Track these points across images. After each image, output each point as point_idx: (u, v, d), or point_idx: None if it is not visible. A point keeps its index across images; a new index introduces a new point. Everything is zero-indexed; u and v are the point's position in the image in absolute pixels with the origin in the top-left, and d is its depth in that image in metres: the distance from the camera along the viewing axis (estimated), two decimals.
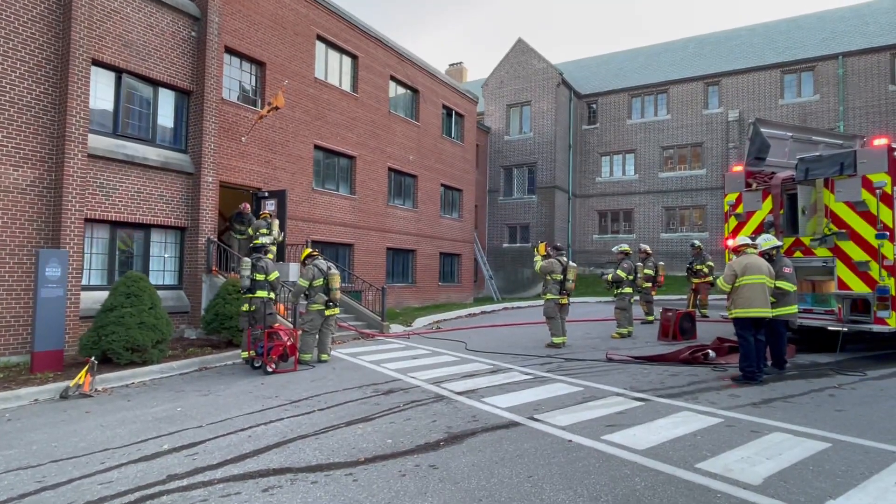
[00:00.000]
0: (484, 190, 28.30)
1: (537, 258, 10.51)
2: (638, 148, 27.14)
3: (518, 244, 27.77)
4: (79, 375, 6.92)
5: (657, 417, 5.55)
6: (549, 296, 10.31)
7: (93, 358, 7.24)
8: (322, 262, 9.16)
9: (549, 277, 10.34)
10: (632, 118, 27.53)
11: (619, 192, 27.50)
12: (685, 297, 15.60)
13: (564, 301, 10.27)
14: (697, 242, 14.30)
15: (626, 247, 12.00)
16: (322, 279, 8.99)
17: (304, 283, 9.05)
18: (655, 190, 26.64)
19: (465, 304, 20.83)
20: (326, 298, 8.96)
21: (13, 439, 5.21)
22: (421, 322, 14.97)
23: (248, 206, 12.34)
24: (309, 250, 9.33)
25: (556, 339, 10.25)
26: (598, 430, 5.16)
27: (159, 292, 10.75)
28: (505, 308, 19.54)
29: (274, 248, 9.86)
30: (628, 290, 11.55)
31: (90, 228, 10.05)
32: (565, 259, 10.49)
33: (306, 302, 9.27)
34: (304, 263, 9.23)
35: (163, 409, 6.18)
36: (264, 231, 11.79)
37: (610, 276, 11.65)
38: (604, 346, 10.14)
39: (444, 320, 15.77)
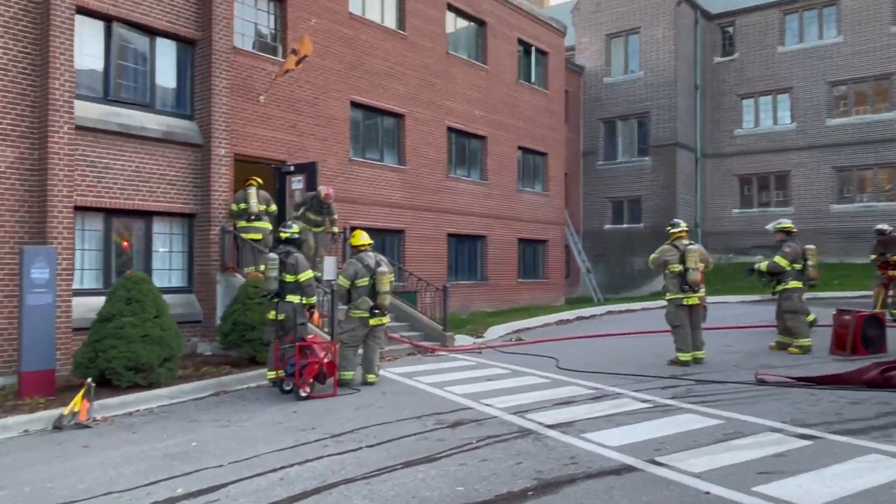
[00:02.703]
0: (577, 152, 28.03)
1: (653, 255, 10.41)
2: (795, 85, 25.91)
3: (625, 225, 27.42)
4: (73, 401, 7.42)
5: (832, 462, 5.29)
6: (669, 295, 10.09)
7: (89, 379, 7.75)
8: (369, 256, 9.33)
9: (667, 270, 10.11)
10: (785, 44, 26.25)
11: (769, 149, 26.45)
12: (870, 293, 14.80)
13: (692, 301, 9.96)
14: (888, 228, 13.61)
15: (787, 223, 11.33)
16: (367, 278, 9.17)
17: (343, 282, 9.27)
18: (822, 143, 25.33)
19: (554, 308, 20.69)
20: (372, 304, 9.13)
21: (4, 478, 5.68)
22: (496, 332, 14.98)
23: (331, 190, 12.74)
24: (361, 238, 9.47)
25: (683, 355, 10.00)
26: (746, 480, 4.97)
27: (165, 296, 11.35)
28: (609, 312, 19.32)
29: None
30: (795, 283, 10.81)
31: (81, 218, 10.70)
32: (685, 241, 10.18)
33: (346, 307, 9.50)
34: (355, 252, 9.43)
35: (174, 443, 6.51)
36: (300, 211, 12.17)
37: (764, 265, 11.06)
38: (751, 364, 9.84)
39: (527, 329, 15.73)
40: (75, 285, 10.35)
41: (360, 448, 6.08)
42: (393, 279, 9.61)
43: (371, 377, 9.26)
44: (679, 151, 26.38)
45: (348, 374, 9.13)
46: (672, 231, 10.47)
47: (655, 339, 13.06)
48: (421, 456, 5.78)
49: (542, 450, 5.88)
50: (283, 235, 9.32)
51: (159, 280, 11.63)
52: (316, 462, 5.72)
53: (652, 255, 10.42)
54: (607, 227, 27.83)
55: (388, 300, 9.24)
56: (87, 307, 9.86)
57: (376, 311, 9.17)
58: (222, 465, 5.74)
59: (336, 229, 13.20)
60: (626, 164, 27.35)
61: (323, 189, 12.67)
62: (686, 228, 10.59)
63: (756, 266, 11.24)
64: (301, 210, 12.76)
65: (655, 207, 26.48)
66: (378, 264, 9.27)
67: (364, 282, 9.18)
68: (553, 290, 23.24)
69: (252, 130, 13.86)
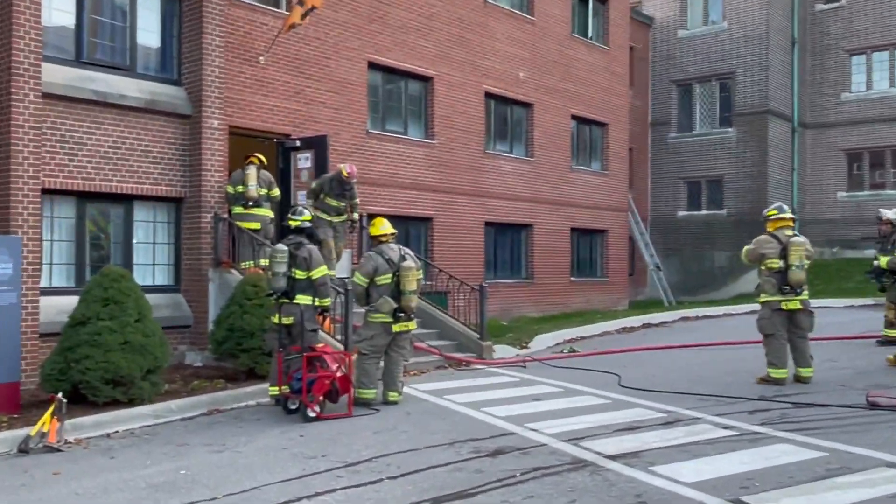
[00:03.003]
0: (644, 122, 27.87)
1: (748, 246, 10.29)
2: None
3: (703, 211, 27.29)
4: (41, 420, 7.52)
5: None
6: (764, 297, 9.95)
7: (59, 394, 7.84)
8: (392, 248, 9.32)
9: (763, 266, 9.97)
10: None
11: (885, 117, 26.02)
12: None
13: (793, 305, 9.82)
14: None
15: None
16: (390, 275, 9.15)
17: (361, 280, 9.27)
18: None
19: (614, 313, 20.57)
20: (395, 306, 9.14)
21: None
22: (543, 341, 14.90)
23: (354, 168, 12.89)
24: (382, 226, 9.49)
25: (776, 372, 9.88)
26: None
27: (148, 296, 11.51)
28: (683, 318, 18.99)
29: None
30: None
31: (49, 204, 10.89)
32: (788, 232, 10.03)
33: (364, 310, 9.54)
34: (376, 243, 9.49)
35: (160, 470, 6.56)
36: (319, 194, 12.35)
37: (884, 261, 11.12)
38: (860, 383, 9.64)
39: (582, 339, 15.63)
40: (43, 283, 10.53)
41: (381, 480, 6.08)
42: (421, 276, 9.59)
43: (393, 395, 9.29)
44: (771, 121, 26.08)
45: (368, 393, 9.14)
46: (773, 218, 10.26)
47: (741, 351, 12.86)
48: (454, 491, 5.76)
49: (602, 485, 5.82)
50: (292, 224, 9.38)
51: (141, 277, 11.78)
52: (328, 496, 5.73)
53: (746, 247, 10.27)
54: (681, 214, 27.70)
55: (414, 301, 9.22)
56: (58, 309, 10.02)
57: (401, 314, 9.15)
58: (216, 497, 5.79)
59: (357, 215, 13.31)
60: (706, 137, 27.18)
61: (345, 167, 12.74)
62: (793, 216, 10.42)
63: (876, 264, 11.08)
64: (320, 196, 12.82)
65: (741, 190, 26.26)
66: (403, 258, 9.25)
67: (386, 279, 9.16)
68: (614, 291, 23.11)
69: (250, 98, 13.97)
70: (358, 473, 6.31)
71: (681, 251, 27.38)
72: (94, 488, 6.10)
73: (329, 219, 12.75)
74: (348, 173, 12.64)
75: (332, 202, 12.83)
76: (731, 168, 26.58)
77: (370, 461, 6.67)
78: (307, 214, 9.50)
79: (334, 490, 5.87)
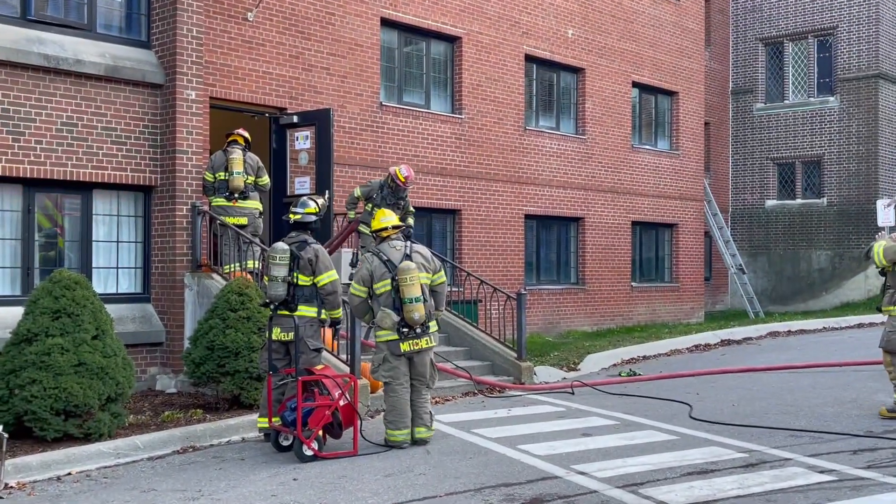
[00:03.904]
0: (723, 91, 27.84)
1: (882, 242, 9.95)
2: None
3: (798, 200, 27.22)
4: None
5: None
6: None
7: (0, 428, 7.89)
8: (394, 246, 9.10)
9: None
10: None
11: None
12: None
13: None
14: None
15: None
16: (389, 280, 8.92)
17: (357, 290, 9.03)
18: None
19: (686, 327, 20.54)
20: (397, 320, 8.86)
21: None
22: (596, 362, 14.87)
23: (410, 170, 12.78)
24: (383, 219, 9.38)
25: None
26: None
27: (112, 307, 11.39)
28: (772, 333, 18.96)
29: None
30: None
31: None
32: None
33: (371, 325, 9.43)
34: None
35: None
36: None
37: None
38: None
39: (645, 359, 15.62)
40: None
41: None
42: (436, 280, 9.28)
43: (420, 431, 8.99)
44: (882, 87, 25.88)
45: (398, 435, 8.83)
46: None
47: (845, 376, 12.78)
48: None
49: None
50: (293, 218, 9.27)
51: (103, 283, 11.80)
52: None
53: (885, 244, 9.95)
54: (770, 203, 27.58)
55: (417, 313, 8.84)
56: (2, 322, 10.07)
57: (405, 329, 8.89)
58: None
59: (412, 221, 13.19)
60: (801, 108, 27.06)
61: (401, 169, 12.58)
62: None
63: None
64: (367, 206, 12.66)
65: (845, 173, 26.11)
66: (407, 257, 9.02)
67: (384, 286, 8.93)
68: (686, 299, 23.05)
69: (237, 63, 13.98)
70: None
71: (770, 250, 27.28)
72: None
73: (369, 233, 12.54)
74: (405, 177, 12.52)
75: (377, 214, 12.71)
76: (833, 146, 26.39)
77: None
78: (312, 206, 9.31)
79: None
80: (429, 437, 9.05)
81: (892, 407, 9.92)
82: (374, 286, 8.98)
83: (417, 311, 8.81)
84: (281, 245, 8.97)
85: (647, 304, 21.83)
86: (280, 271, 8.81)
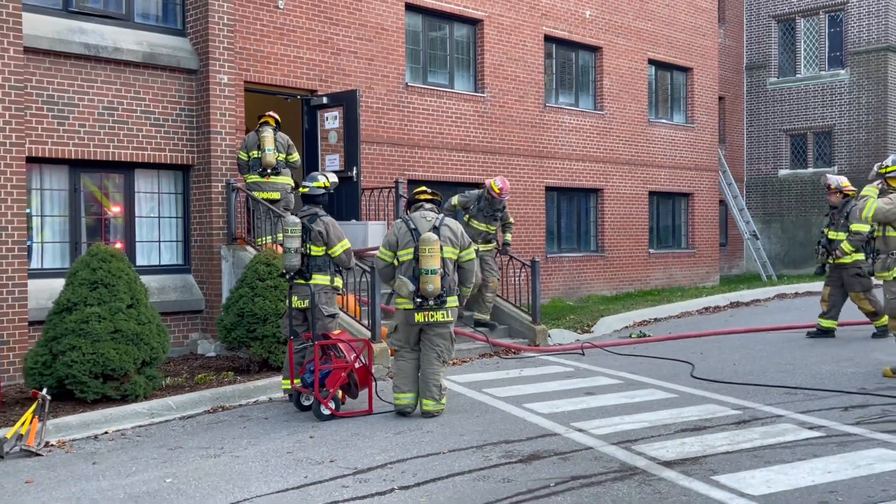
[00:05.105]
0: (737, 66, 27.58)
1: (869, 198, 9.62)
2: None
3: (810, 169, 26.91)
4: (20, 420, 7.63)
5: None
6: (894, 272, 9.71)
7: (44, 391, 7.98)
8: (425, 216, 8.75)
9: (892, 232, 9.71)
10: None
11: None
12: None
13: None
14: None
15: None
16: (411, 249, 8.66)
17: (383, 254, 8.86)
18: None
19: (699, 291, 20.46)
20: (413, 288, 8.47)
21: None
22: (609, 324, 14.95)
23: (506, 182, 12.60)
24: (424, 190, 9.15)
25: None
26: None
27: (154, 277, 11.75)
28: (779, 296, 18.93)
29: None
30: None
31: (36, 174, 11.13)
32: None
33: (391, 291, 9.42)
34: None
35: (144, 479, 6.60)
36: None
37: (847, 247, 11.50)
38: None
39: (656, 321, 15.66)
40: (33, 264, 10.79)
41: (391, 490, 6.06)
42: (463, 256, 8.78)
43: (427, 404, 8.52)
44: (891, 59, 25.46)
45: (402, 398, 8.59)
46: (892, 174, 9.67)
47: (844, 334, 12.76)
48: None
49: (650, 499, 5.71)
50: (302, 191, 9.33)
51: (146, 255, 12.08)
52: None
53: (875, 204, 9.44)
54: (783, 172, 27.33)
55: (432, 285, 8.34)
56: (50, 293, 10.12)
57: (420, 300, 8.47)
58: None
59: (510, 235, 13.19)
60: (812, 81, 26.76)
61: (496, 181, 12.43)
62: None
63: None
64: (466, 217, 12.53)
65: (855, 143, 25.77)
66: (435, 229, 8.59)
67: (407, 254, 8.62)
68: (701, 264, 23.01)
69: (268, 49, 14.05)
70: (366, 483, 6.30)
71: (783, 217, 27.07)
72: (66, 500, 6.18)
73: (482, 248, 12.42)
74: (499, 189, 12.37)
75: (480, 226, 12.66)
76: (844, 117, 26.05)
77: (383, 468, 6.68)
78: (321, 180, 9.28)
79: (335, 503, 5.82)
80: (436, 410, 8.50)
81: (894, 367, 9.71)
82: (398, 253, 8.65)
83: (432, 283, 8.33)
84: (292, 218, 9.05)
85: (664, 270, 21.83)
86: (293, 243, 8.87)
